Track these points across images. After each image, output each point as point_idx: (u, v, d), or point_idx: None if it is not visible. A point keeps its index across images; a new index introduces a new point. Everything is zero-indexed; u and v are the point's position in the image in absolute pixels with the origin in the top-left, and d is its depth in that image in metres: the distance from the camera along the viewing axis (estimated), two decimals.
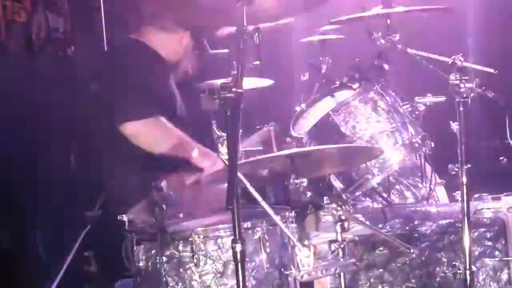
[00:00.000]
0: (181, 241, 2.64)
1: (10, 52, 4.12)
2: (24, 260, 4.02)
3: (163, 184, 2.64)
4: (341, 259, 2.57)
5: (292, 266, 2.61)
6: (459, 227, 2.81)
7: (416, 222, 3.10)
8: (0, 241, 3.83)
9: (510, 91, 3.39)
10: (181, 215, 3.03)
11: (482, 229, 3.05)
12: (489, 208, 3.11)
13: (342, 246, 2.59)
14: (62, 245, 4.02)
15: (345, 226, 2.60)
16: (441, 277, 3.01)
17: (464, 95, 2.68)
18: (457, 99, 2.69)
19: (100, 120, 3.73)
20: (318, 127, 3.31)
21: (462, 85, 2.67)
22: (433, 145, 3.25)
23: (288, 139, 3.50)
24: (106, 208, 3.87)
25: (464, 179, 2.70)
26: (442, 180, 3.67)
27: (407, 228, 3.08)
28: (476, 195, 3.19)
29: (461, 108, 2.69)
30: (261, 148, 3.55)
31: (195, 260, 2.61)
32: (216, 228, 2.66)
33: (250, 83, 3.54)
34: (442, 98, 3.35)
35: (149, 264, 2.71)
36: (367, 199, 3.63)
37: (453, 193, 3.28)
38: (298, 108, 3.65)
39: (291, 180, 2.69)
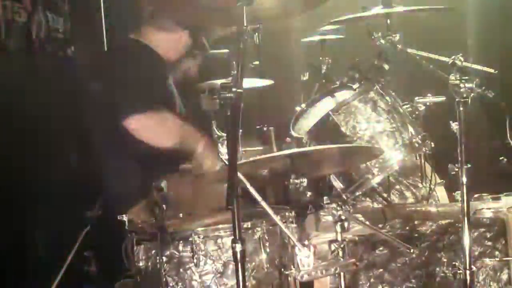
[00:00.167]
0: (181, 241, 2.64)
1: (10, 52, 4.12)
2: (24, 260, 4.01)
3: (163, 184, 2.64)
4: (341, 259, 2.57)
5: (292, 266, 2.61)
6: (459, 227, 2.81)
7: (416, 222, 3.10)
8: (0, 241, 3.82)
9: (510, 91, 3.39)
10: (181, 215, 3.04)
11: (482, 229, 3.05)
12: (489, 208, 3.11)
13: (342, 246, 2.59)
14: (62, 245, 4.02)
15: (345, 226, 2.60)
16: (441, 277, 3.01)
17: (464, 95, 2.68)
18: (457, 99, 2.69)
19: (100, 120, 3.73)
20: (318, 127, 3.31)
21: (462, 85, 2.67)
22: (433, 145, 3.25)
23: (288, 139, 3.50)
24: (106, 208, 3.87)
25: (464, 179, 2.70)
26: (442, 180, 3.67)
27: (407, 228, 3.08)
28: (476, 195, 3.19)
29: (461, 108, 2.69)
30: (261, 148, 3.55)
31: (195, 260, 2.61)
32: (216, 228, 2.66)
33: (250, 83, 3.54)
34: (442, 98, 3.36)
35: (149, 264, 2.71)
36: (367, 199, 3.64)
37: (453, 193, 3.28)
38: (298, 108, 3.65)
39: (291, 180, 2.69)
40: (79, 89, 4.28)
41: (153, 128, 3.54)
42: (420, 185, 3.68)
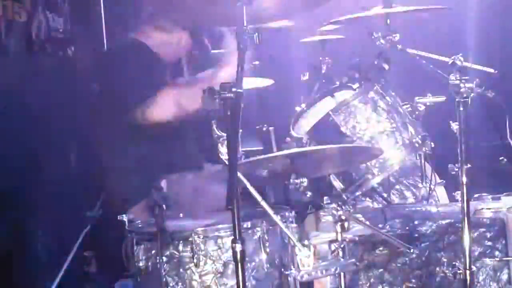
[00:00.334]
0: (181, 241, 2.64)
1: (10, 52, 4.12)
2: (24, 260, 4.02)
3: (163, 184, 2.64)
4: (341, 259, 2.57)
5: (292, 266, 2.61)
6: (459, 227, 2.81)
7: (416, 222, 3.10)
8: (0, 241, 3.83)
9: (510, 91, 3.39)
10: (181, 215, 3.04)
11: (482, 229, 3.05)
12: (489, 208, 3.11)
13: (342, 246, 2.59)
14: (62, 245, 4.02)
15: (345, 226, 2.60)
16: (441, 277, 3.01)
17: (464, 95, 2.68)
18: (457, 99, 2.69)
19: (100, 119, 3.73)
20: (318, 127, 3.31)
21: (462, 85, 2.67)
22: (433, 145, 3.25)
23: (288, 139, 3.50)
24: (106, 208, 3.87)
25: (464, 179, 2.70)
26: (442, 180, 3.67)
27: (407, 228, 3.08)
28: (476, 195, 3.19)
29: (461, 108, 2.69)
30: (261, 148, 3.55)
31: (195, 260, 2.61)
32: (216, 228, 2.66)
33: (250, 83, 3.54)
34: (442, 98, 3.35)
35: (149, 264, 2.71)
36: (367, 199, 3.63)
37: (453, 193, 3.28)
38: (298, 108, 3.65)
39: (291, 180, 2.69)
40: (79, 89, 4.29)
41: (175, 97, 3.51)
42: (420, 185, 3.67)
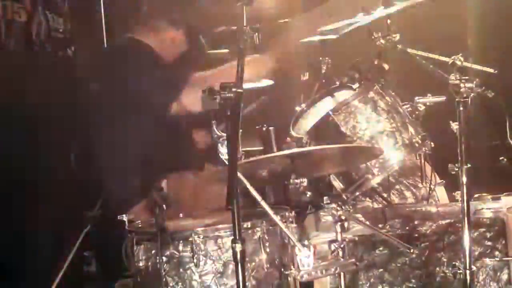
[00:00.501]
0: (181, 241, 2.64)
1: (10, 52, 4.12)
2: (24, 260, 4.02)
3: (163, 184, 2.64)
4: (341, 259, 2.57)
5: (292, 266, 2.61)
6: (459, 227, 2.81)
7: (416, 222, 3.10)
8: (0, 241, 3.83)
9: (510, 91, 3.39)
10: (181, 215, 3.04)
11: (482, 229, 3.05)
12: (489, 208, 3.11)
13: (342, 246, 2.59)
14: (62, 245, 4.02)
15: (345, 226, 2.60)
16: (441, 277, 3.02)
17: (464, 95, 2.68)
18: (457, 99, 2.69)
19: (100, 119, 3.73)
20: (318, 127, 3.31)
21: (462, 85, 2.67)
22: (433, 145, 3.25)
23: (288, 139, 3.50)
24: (106, 208, 3.87)
25: (464, 179, 2.70)
26: (442, 180, 3.67)
27: (407, 228, 3.08)
28: (476, 195, 3.19)
29: (461, 108, 2.69)
30: (261, 148, 3.55)
31: (195, 260, 2.61)
32: (216, 228, 2.66)
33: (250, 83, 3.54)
34: (442, 98, 3.35)
35: (149, 264, 2.71)
36: (367, 199, 3.63)
37: (453, 193, 3.28)
38: (298, 108, 3.64)
39: (291, 180, 2.69)
40: (79, 89, 4.29)
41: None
42: (420, 185, 3.67)
